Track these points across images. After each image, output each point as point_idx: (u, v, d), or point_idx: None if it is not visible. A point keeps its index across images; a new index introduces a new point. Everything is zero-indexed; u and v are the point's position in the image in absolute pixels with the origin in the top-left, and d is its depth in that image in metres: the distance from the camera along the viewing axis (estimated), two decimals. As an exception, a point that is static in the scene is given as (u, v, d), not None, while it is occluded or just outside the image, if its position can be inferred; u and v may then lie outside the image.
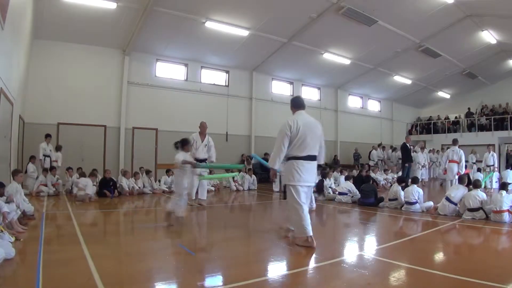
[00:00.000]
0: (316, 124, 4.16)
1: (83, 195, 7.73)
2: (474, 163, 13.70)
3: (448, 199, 6.35)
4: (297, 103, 4.25)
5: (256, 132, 14.60)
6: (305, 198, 4.03)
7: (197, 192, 7.39)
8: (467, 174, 7.87)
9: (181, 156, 5.41)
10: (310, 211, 6.62)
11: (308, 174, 3.99)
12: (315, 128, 4.09)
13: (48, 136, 9.51)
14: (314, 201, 7.06)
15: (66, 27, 9.97)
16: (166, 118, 12.42)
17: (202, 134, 7.39)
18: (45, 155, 9.32)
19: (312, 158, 4.02)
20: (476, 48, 13.90)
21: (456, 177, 8.41)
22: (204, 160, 7.23)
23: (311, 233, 3.91)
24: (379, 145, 17.04)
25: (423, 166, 13.31)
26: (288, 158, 4.02)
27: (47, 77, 10.44)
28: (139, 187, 9.42)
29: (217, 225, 5.95)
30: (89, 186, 7.91)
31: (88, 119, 11.01)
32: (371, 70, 15.55)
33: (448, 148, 9.33)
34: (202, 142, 7.27)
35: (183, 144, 5.58)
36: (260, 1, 10.11)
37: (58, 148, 9.74)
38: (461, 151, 8.84)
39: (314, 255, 3.82)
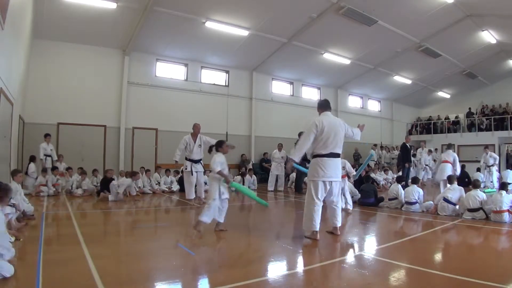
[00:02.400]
0: (340, 124, 4.45)
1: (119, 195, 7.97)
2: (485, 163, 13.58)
3: (446, 200, 6.36)
4: (323, 105, 4.57)
5: (256, 132, 14.60)
6: (322, 195, 4.27)
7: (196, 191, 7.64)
8: (463, 174, 7.84)
9: (218, 159, 4.69)
10: (347, 213, 6.50)
11: (332, 170, 4.25)
12: (339, 127, 4.38)
13: (47, 135, 9.52)
14: (351, 202, 6.85)
15: (66, 27, 9.97)
16: (166, 118, 12.42)
17: (195, 135, 7.51)
18: (46, 155, 9.34)
19: (334, 155, 4.30)
20: (476, 48, 13.90)
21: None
22: (199, 161, 7.48)
23: (317, 229, 4.23)
24: (375, 145, 17.10)
25: (426, 166, 13.30)
26: (313, 156, 4.33)
27: (47, 77, 10.44)
28: (139, 187, 9.41)
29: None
30: (127, 185, 8.22)
31: (88, 119, 11.01)
32: (371, 70, 15.55)
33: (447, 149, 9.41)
34: (195, 143, 7.41)
35: (219, 145, 4.90)
36: (260, 1, 10.11)
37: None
38: (455, 154, 8.98)
39: (314, 255, 3.83)
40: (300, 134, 9.75)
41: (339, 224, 4.42)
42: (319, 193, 4.23)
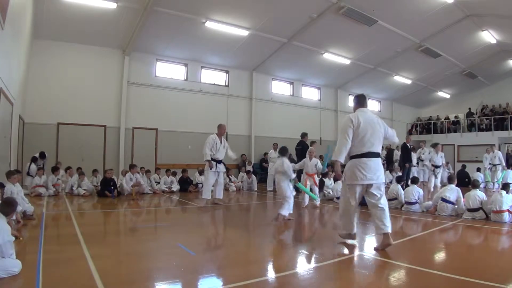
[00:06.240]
0: (378, 121, 4.09)
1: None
2: (489, 163, 13.49)
3: (444, 199, 6.37)
4: (359, 101, 4.22)
5: (256, 132, 14.60)
6: (358, 199, 3.98)
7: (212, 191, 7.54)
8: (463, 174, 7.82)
9: (289, 163, 5.62)
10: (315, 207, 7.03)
11: (372, 172, 3.87)
12: (377, 125, 4.02)
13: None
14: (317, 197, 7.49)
15: (66, 27, 9.97)
16: (166, 118, 12.42)
17: (220, 135, 7.51)
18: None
19: (373, 155, 3.93)
20: (476, 48, 13.89)
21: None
22: (221, 161, 7.49)
23: (354, 231, 4.12)
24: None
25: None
26: (350, 157, 3.98)
27: (47, 77, 10.44)
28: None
29: (217, 225, 5.96)
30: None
31: (88, 119, 11.01)
32: (371, 70, 15.54)
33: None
34: (221, 143, 7.44)
35: (286, 151, 5.77)
36: (260, 1, 10.10)
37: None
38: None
39: (314, 255, 3.83)
40: (303, 135, 9.74)
41: (389, 230, 3.83)
42: (356, 197, 3.95)
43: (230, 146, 7.80)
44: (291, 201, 5.53)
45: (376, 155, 3.96)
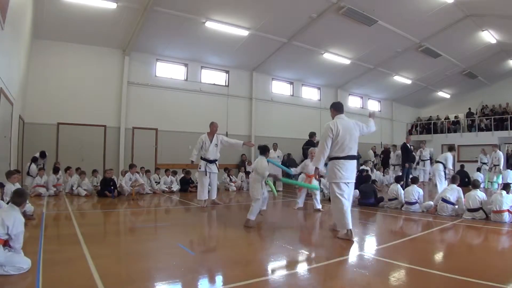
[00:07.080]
0: (354, 126, 4.55)
1: None
2: (484, 163, 13.50)
3: (444, 200, 6.37)
4: (338, 108, 4.71)
5: (256, 132, 14.59)
6: (347, 194, 4.38)
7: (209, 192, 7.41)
8: (462, 174, 7.78)
9: (265, 163, 5.28)
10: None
11: (349, 172, 4.37)
12: (353, 129, 4.48)
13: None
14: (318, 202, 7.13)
15: (66, 27, 9.97)
16: (166, 118, 12.42)
17: (212, 134, 7.28)
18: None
19: (351, 157, 4.41)
20: (476, 48, 13.90)
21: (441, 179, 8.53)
22: (214, 161, 7.28)
23: (350, 226, 4.27)
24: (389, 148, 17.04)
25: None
26: (330, 158, 4.45)
27: (47, 77, 10.44)
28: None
29: (217, 225, 5.96)
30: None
31: (88, 119, 11.00)
32: (371, 70, 15.55)
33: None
34: (211, 142, 7.20)
35: (265, 150, 5.49)
36: (260, 1, 10.10)
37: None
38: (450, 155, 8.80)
39: (314, 255, 3.83)
40: (311, 135, 9.73)
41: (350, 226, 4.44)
42: (345, 193, 4.34)
43: (230, 146, 7.65)
44: (259, 203, 5.22)
45: (353, 157, 4.44)
